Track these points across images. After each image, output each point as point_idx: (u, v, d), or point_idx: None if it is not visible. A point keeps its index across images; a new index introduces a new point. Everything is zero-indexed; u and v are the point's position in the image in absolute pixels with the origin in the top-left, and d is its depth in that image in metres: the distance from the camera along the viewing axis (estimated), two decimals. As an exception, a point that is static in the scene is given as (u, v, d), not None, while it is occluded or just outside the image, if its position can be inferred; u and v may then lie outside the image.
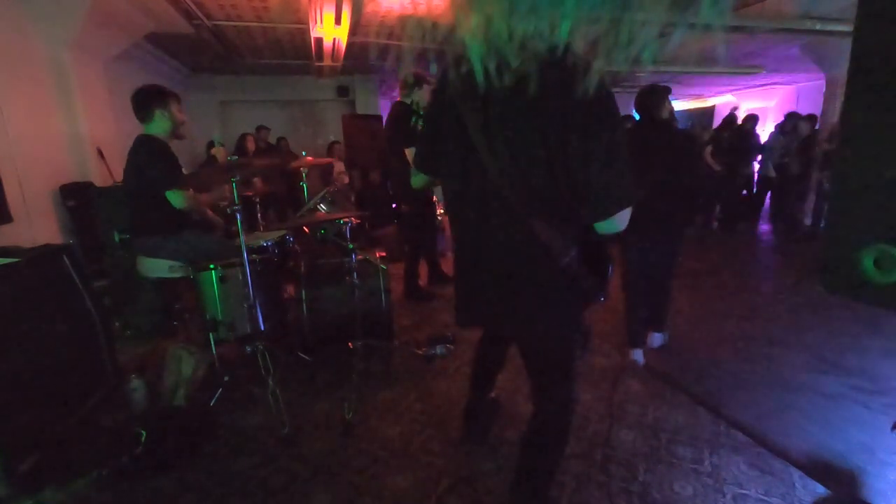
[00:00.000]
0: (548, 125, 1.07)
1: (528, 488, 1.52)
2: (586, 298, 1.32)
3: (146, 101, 2.38)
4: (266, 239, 2.83)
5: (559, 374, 1.42)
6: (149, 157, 2.34)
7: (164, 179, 2.34)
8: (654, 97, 2.58)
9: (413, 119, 3.34)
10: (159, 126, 2.41)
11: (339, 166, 6.65)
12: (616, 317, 3.51)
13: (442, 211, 4.45)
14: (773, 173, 6.42)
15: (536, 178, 1.13)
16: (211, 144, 5.73)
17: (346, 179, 6.46)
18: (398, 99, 3.49)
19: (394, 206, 5.58)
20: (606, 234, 1.20)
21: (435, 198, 4.14)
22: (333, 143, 7.27)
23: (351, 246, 2.67)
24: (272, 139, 6.99)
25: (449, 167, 1.33)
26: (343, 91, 8.60)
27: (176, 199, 2.36)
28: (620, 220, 1.15)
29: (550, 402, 1.46)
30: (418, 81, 3.31)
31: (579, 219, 1.18)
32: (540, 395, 1.48)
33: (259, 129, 6.73)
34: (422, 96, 3.34)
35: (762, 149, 6.63)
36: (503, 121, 1.13)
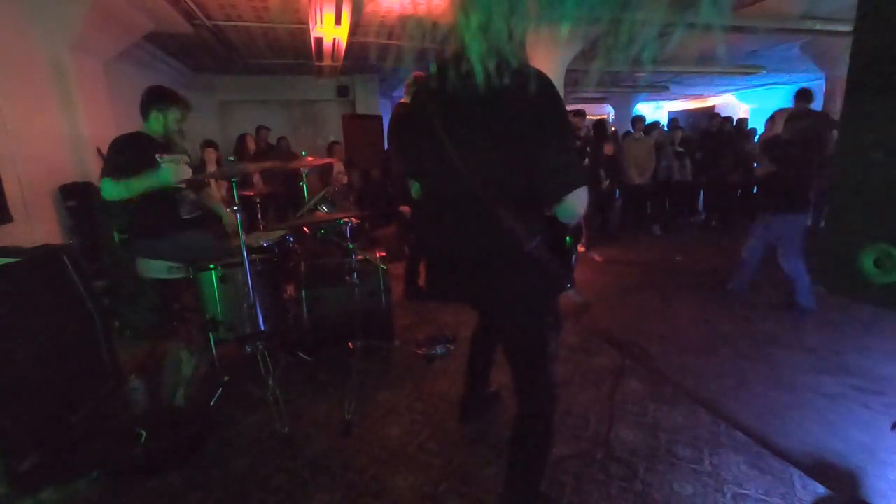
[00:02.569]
0: (505, 121, 1.20)
1: (519, 483, 1.54)
2: (555, 286, 1.39)
3: (148, 99, 2.42)
4: (266, 239, 2.83)
5: (535, 358, 1.46)
6: (112, 145, 2.34)
7: (104, 167, 2.30)
8: None
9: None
10: (152, 126, 2.44)
11: (339, 166, 6.65)
12: (615, 319, 3.51)
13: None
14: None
15: (499, 169, 1.25)
16: (206, 145, 5.68)
17: (346, 179, 6.46)
18: (401, 100, 3.49)
19: (389, 205, 5.58)
20: (569, 221, 1.32)
21: None
22: (333, 142, 7.28)
23: (351, 246, 2.67)
24: (272, 139, 6.98)
25: (424, 166, 1.44)
26: (343, 91, 8.60)
27: (104, 188, 2.26)
28: (578, 203, 1.25)
29: (531, 390, 1.51)
30: (418, 84, 3.30)
31: (541, 207, 1.32)
32: (521, 385, 1.52)
33: (259, 128, 6.72)
34: None
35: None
36: (466, 119, 1.25)
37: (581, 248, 4.70)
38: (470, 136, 1.25)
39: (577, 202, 1.24)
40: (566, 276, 1.35)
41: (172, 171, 2.28)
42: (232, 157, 3.43)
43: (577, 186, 1.23)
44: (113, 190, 2.25)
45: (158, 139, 2.46)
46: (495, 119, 1.21)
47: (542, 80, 1.18)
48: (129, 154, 2.32)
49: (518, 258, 1.29)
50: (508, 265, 1.33)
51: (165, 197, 2.45)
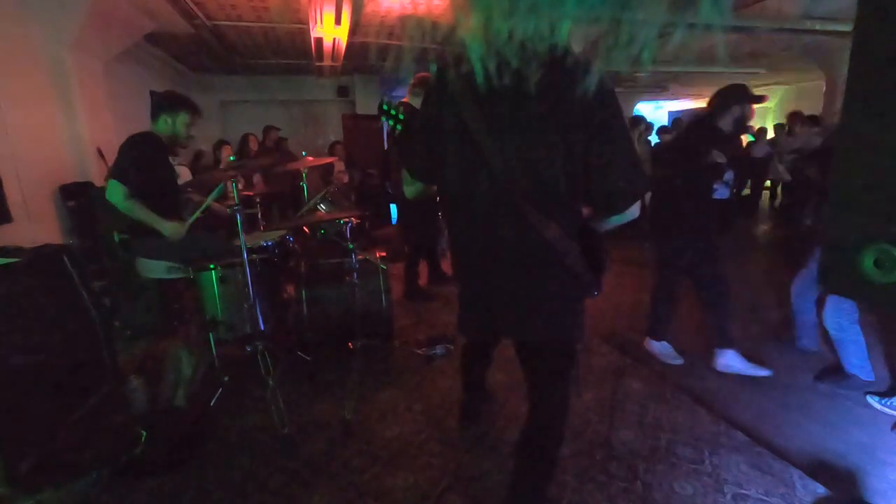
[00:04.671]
0: (557, 124, 1.10)
1: (527, 488, 1.52)
2: (584, 294, 1.33)
3: (158, 103, 2.43)
4: (266, 239, 2.83)
5: (563, 372, 1.42)
6: (122, 146, 2.33)
7: (113, 168, 2.30)
8: (716, 98, 2.46)
9: (390, 122, 3.29)
10: (161, 128, 2.45)
11: (340, 166, 6.65)
12: (615, 319, 3.51)
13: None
14: (787, 176, 6.29)
15: (545, 176, 1.14)
16: (219, 144, 5.77)
17: (346, 179, 6.46)
18: (404, 99, 3.48)
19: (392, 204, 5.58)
20: (618, 224, 1.25)
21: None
22: (335, 142, 7.27)
23: (351, 246, 2.67)
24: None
25: (449, 170, 1.28)
26: (343, 91, 8.60)
27: (112, 191, 2.25)
28: (634, 210, 1.18)
29: (551, 400, 1.45)
30: (421, 85, 3.27)
31: (580, 214, 1.24)
32: (540, 394, 1.46)
33: (267, 129, 6.68)
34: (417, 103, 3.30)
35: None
36: (510, 121, 1.14)
37: None
38: (513, 139, 1.14)
39: (635, 210, 1.18)
40: (597, 282, 1.29)
41: (175, 230, 2.32)
42: (233, 157, 3.44)
43: (641, 196, 1.16)
44: (120, 200, 2.25)
45: (166, 141, 2.48)
46: (544, 120, 1.11)
47: (598, 76, 1.03)
48: (144, 163, 2.31)
49: (556, 273, 1.22)
50: (547, 283, 1.24)
51: (169, 199, 2.45)
